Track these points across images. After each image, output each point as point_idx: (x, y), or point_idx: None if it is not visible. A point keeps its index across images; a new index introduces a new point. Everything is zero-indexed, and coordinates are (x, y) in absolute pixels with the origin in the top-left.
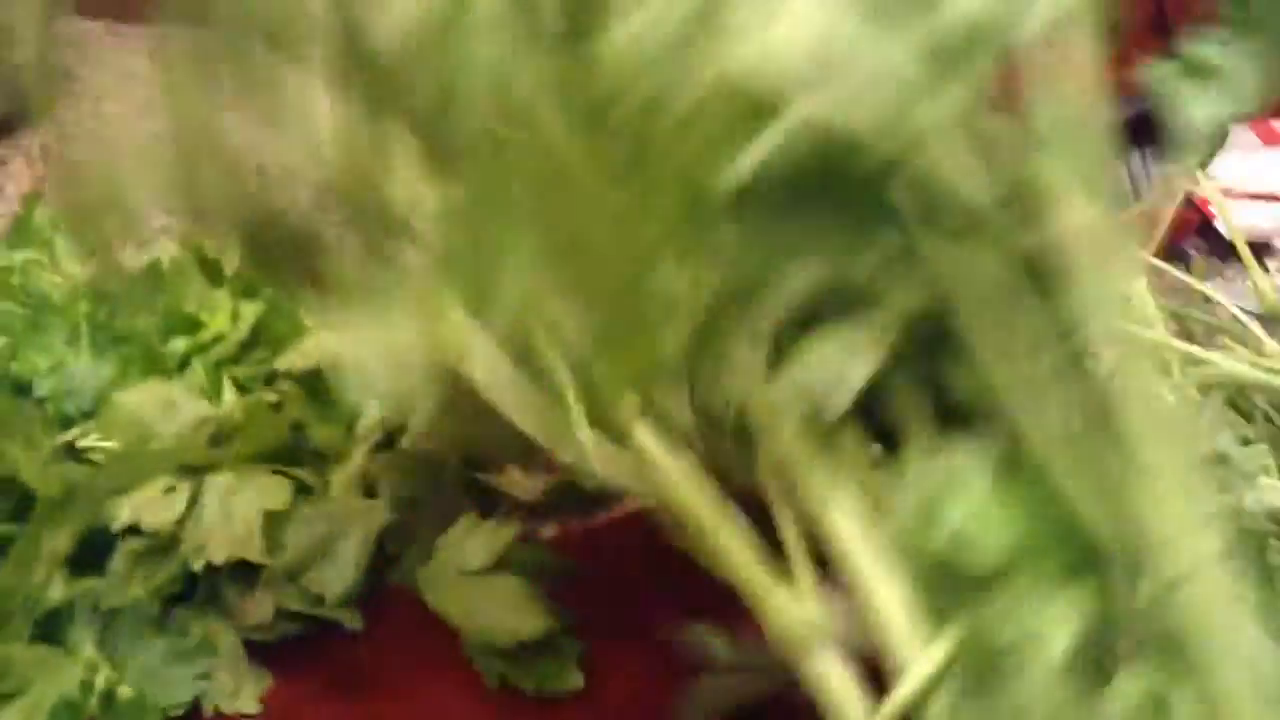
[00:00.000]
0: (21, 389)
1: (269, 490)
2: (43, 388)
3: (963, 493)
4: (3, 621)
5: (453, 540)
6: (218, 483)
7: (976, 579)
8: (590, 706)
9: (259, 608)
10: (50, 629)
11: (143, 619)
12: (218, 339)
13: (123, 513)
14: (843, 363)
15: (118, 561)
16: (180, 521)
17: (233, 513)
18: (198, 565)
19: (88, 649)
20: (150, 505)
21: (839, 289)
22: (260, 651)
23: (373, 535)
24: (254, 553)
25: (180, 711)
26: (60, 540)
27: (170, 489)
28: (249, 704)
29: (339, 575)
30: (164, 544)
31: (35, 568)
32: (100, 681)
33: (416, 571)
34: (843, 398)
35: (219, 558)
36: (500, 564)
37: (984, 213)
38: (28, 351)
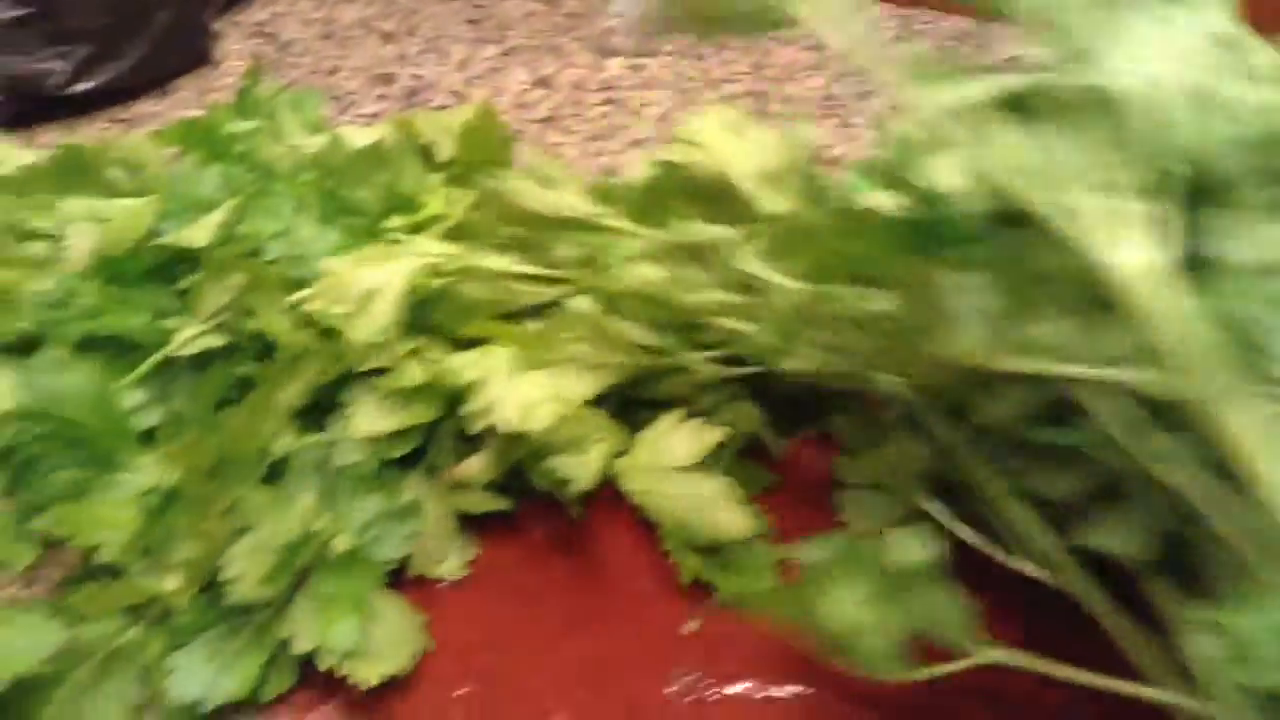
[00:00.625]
0: (249, 253)
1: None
2: (271, 251)
3: None
4: (237, 462)
5: (658, 434)
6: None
7: None
8: None
9: (478, 474)
10: (275, 478)
11: (362, 478)
12: (433, 220)
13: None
14: None
15: (347, 419)
16: (418, 390)
17: (517, 389)
18: (472, 429)
19: (309, 500)
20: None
21: None
22: (470, 522)
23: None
24: (537, 423)
25: (390, 568)
26: (293, 394)
27: (413, 352)
28: (455, 569)
29: (583, 466)
30: (396, 405)
31: (269, 417)
32: (320, 531)
33: (619, 461)
34: None
35: (491, 425)
36: (703, 465)
37: None
38: (256, 215)
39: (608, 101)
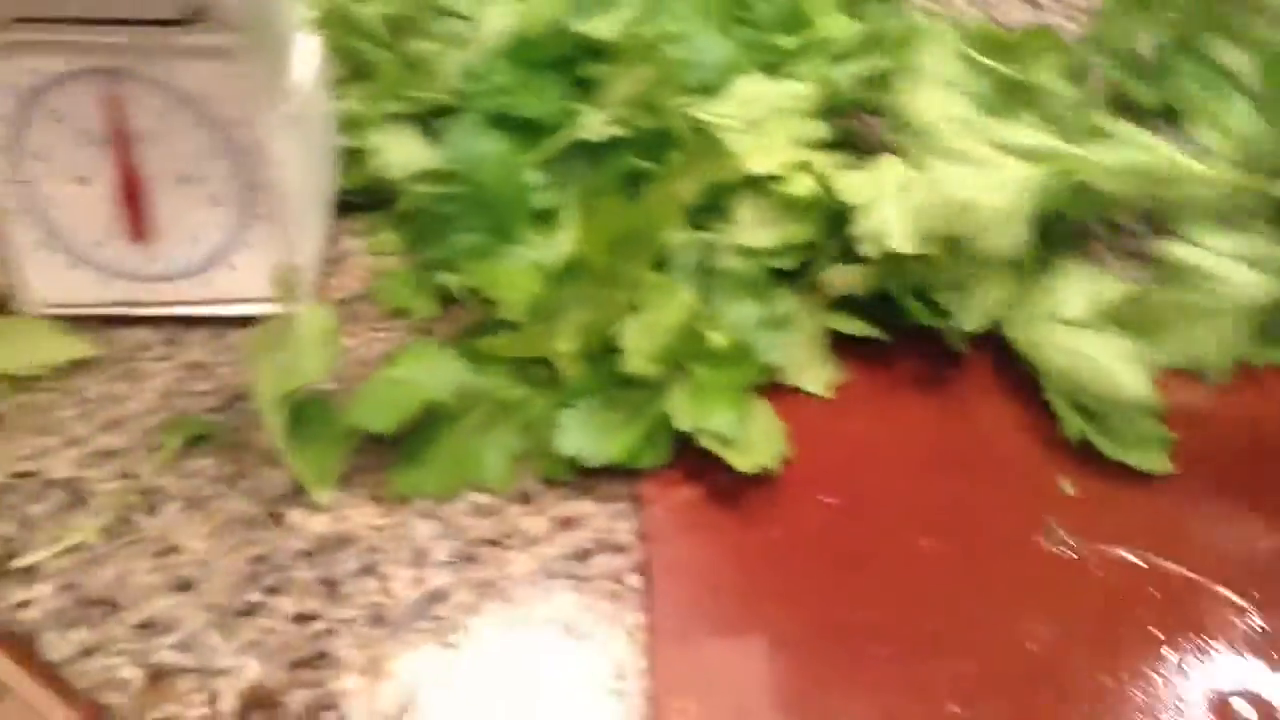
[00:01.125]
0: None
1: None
2: (671, 53)
3: None
4: (635, 243)
5: (1055, 282)
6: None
7: None
8: (1177, 489)
9: (850, 284)
10: (660, 269)
11: (741, 284)
12: (824, 42)
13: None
14: None
15: (733, 225)
16: (805, 204)
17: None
18: (873, 251)
19: (689, 295)
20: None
21: None
22: (842, 347)
23: None
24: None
25: (765, 373)
26: (689, 189)
27: (803, 165)
28: (822, 384)
29: (971, 304)
30: (782, 217)
31: (667, 206)
32: (701, 323)
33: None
34: None
35: (901, 247)
36: (1100, 320)
37: None
38: (662, 16)
39: None
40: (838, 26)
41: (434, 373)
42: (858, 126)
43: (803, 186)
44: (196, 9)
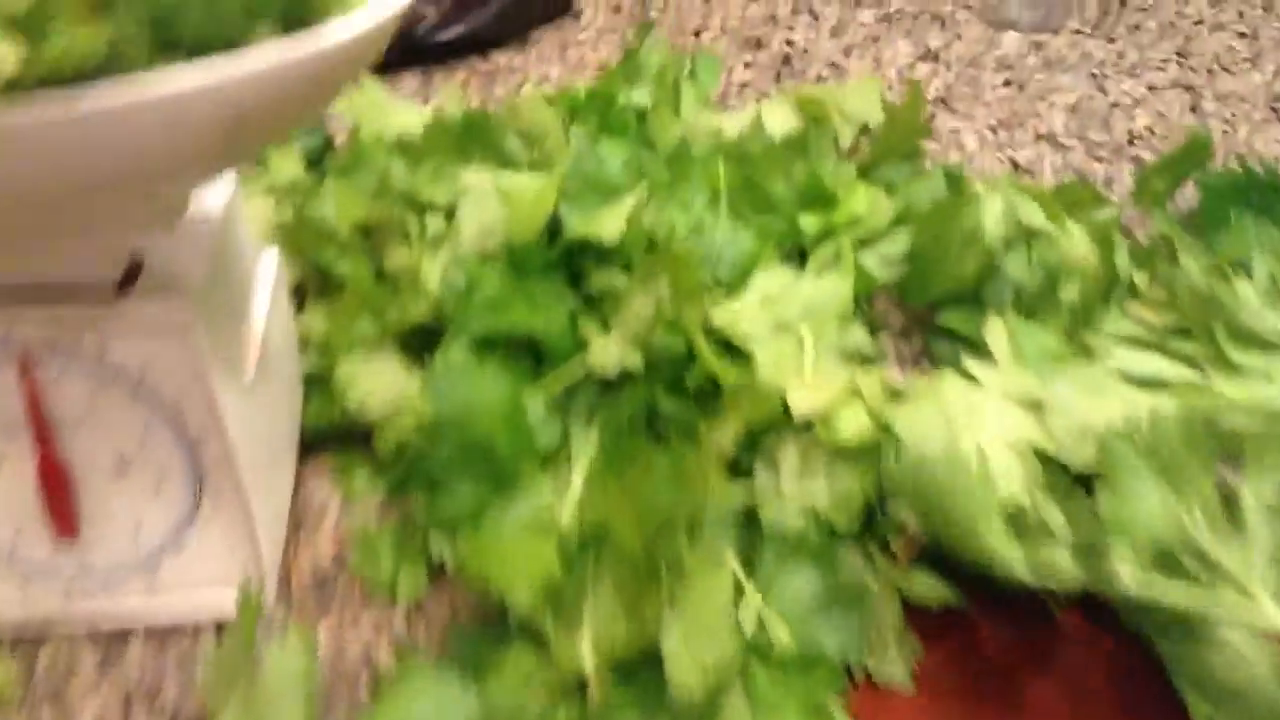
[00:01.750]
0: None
1: None
2: (681, 247)
3: None
4: (674, 523)
5: None
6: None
7: None
8: None
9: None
10: (697, 531)
11: (797, 543)
12: (851, 222)
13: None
14: None
15: (776, 469)
16: (862, 447)
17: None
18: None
19: (732, 562)
20: (840, 417)
21: None
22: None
23: None
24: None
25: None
26: (727, 441)
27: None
28: (900, 673)
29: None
30: (848, 459)
31: (703, 470)
32: (752, 611)
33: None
34: None
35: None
36: None
37: None
38: (668, 206)
39: (1007, 83)
40: (864, 202)
41: (443, 708)
42: (888, 314)
43: (854, 427)
44: (130, 270)
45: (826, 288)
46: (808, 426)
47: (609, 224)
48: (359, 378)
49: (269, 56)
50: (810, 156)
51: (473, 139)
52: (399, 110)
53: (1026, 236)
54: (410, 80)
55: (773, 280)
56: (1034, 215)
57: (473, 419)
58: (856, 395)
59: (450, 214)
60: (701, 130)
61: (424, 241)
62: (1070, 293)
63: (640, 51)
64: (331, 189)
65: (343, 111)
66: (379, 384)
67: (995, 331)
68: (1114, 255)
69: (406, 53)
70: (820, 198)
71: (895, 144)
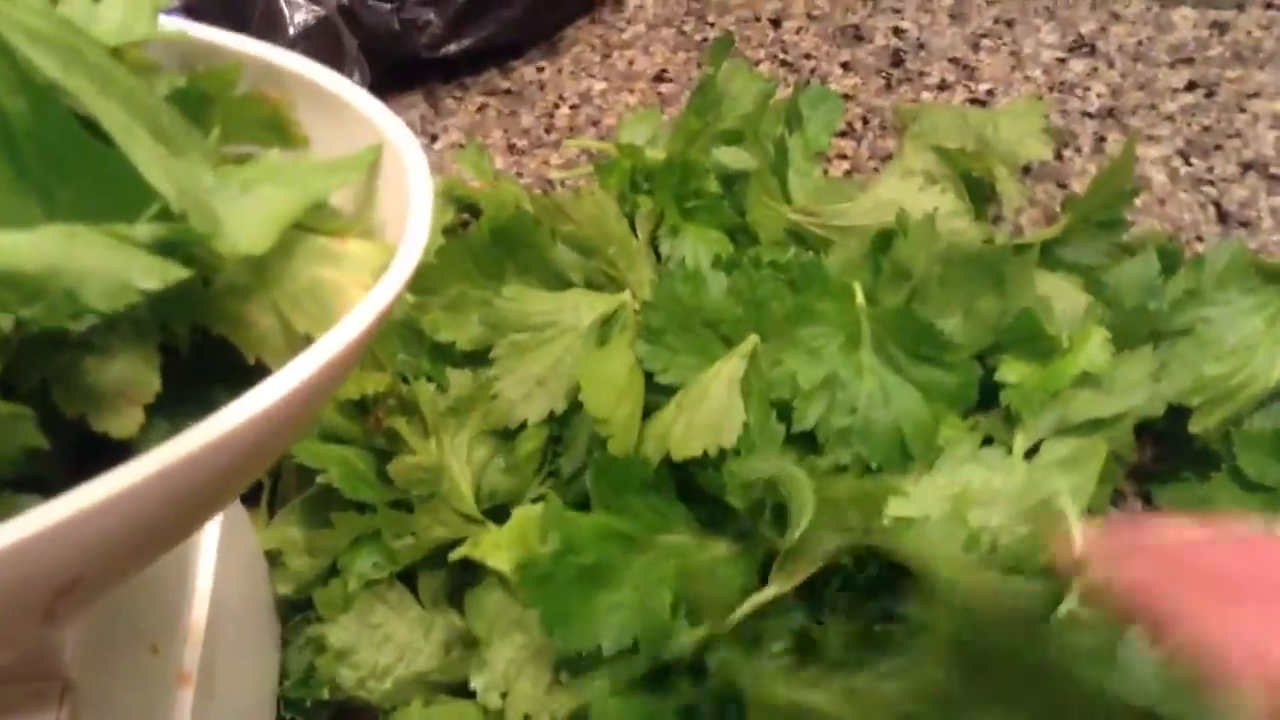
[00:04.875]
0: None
1: None
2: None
3: None
4: None
5: None
6: None
7: None
8: None
9: None
10: None
11: None
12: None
13: None
14: None
15: None
16: None
17: None
18: None
19: None
20: None
21: None
22: None
23: None
24: None
25: None
26: None
27: None
28: None
29: None
30: None
31: None
32: None
33: None
34: None
35: None
36: None
37: None
38: (790, 352)
39: (1192, 86)
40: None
41: None
42: None
43: None
44: None
45: (1057, 481)
46: None
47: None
48: (359, 647)
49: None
50: (996, 270)
51: (504, 254)
52: None
53: None
54: (411, 108)
55: (965, 466)
56: None
57: None
58: None
59: (478, 359)
60: (823, 216)
61: (442, 419)
62: None
63: (717, 79)
64: None
65: None
66: (387, 654)
67: None
68: None
69: (406, 70)
70: (1028, 339)
71: (1092, 214)
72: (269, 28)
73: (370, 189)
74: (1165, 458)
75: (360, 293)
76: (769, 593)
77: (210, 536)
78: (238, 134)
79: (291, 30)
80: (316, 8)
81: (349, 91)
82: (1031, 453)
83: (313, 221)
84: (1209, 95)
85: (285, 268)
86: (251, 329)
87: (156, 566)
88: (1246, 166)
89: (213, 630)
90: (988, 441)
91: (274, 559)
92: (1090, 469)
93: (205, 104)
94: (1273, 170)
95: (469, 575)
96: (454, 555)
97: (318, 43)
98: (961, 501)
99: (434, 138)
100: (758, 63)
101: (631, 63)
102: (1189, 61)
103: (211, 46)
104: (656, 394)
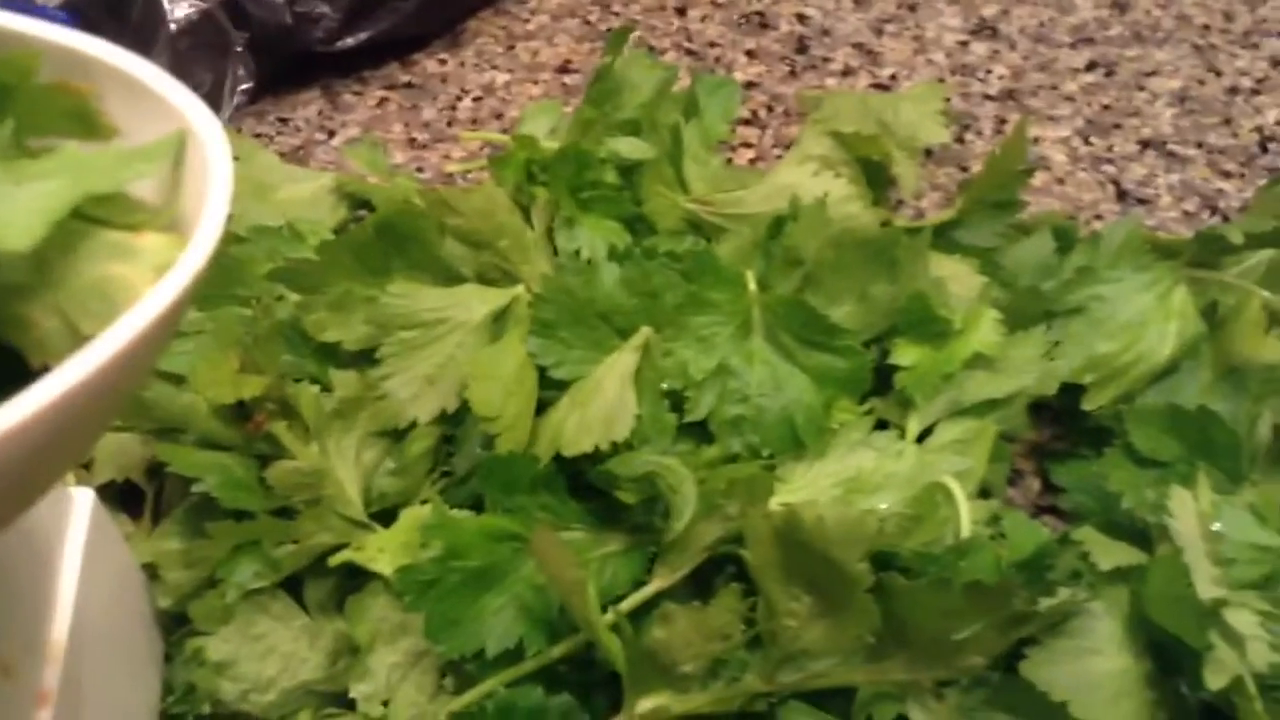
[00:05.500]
0: None
1: None
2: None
3: None
4: None
5: None
6: None
7: None
8: None
9: None
10: None
11: None
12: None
13: None
14: None
15: None
16: None
17: None
18: None
19: None
20: None
21: None
22: None
23: None
24: None
25: None
26: None
27: None
28: None
29: None
30: None
31: None
32: None
33: None
34: None
35: None
36: None
37: None
38: (679, 340)
39: (1092, 65)
40: (990, 332)
41: None
42: None
43: None
44: None
45: (947, 463)
46: None
47: (617, 425)
48: (240, 659)
49: None
50: (888, 254)
51: (389, 250)
52: (287, 182)
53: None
54: (308, 104)
55: (856, 451)
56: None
57: None
58: None
59: (365, 359)
60: (718, 205)
61: (326, 421)
62: None
63: (615, 68)
64: (183, 345)
65: None
66: (271, 665)
67: None
68: None
69: (302, 65)
70: (921, 322)
71: (987, 195)
72: (147, 23)
73: (177, 180)
74: (1063, 436)
75: (150, 290)
76: (651, 589)
77: (74, 550)
78: (39, 125)
79: (173, 26)
80: (199, 2)
81: (156, 79)
82: (926, 435)
83: (107, 214)
84: (1109, 74)
85: (70, 265)
86: (32, 331)
87: (9, 583)
88: (1145, 144)
89: (76, 647)
90: (882, 426)
91: (153, 572)
92: (980, 450)
93: (2, 95)
94: (1170, 147)
95: (358, 582)
96: (334, 560)
97: (200, 38)
98: (852, 487)
99: (331, 134)
100: (662, 52)
101: (535, 54)
102: (1090, 41)
103: (11, 34)
104: (551, 389)
